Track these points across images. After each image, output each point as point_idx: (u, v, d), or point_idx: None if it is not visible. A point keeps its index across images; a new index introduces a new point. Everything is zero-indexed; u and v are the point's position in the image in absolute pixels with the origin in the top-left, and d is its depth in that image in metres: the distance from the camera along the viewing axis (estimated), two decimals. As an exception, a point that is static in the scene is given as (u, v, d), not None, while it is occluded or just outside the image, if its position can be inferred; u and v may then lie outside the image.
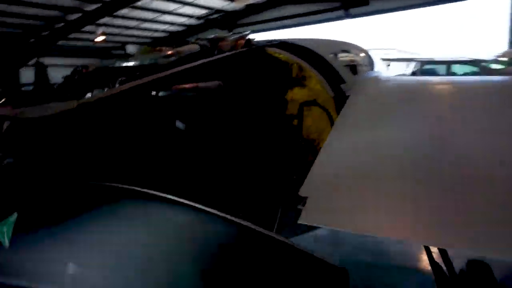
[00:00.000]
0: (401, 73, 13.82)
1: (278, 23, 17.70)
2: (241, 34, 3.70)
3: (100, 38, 17.39)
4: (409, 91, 3.58)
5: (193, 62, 2.84)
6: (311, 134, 3.34)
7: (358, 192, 1.88)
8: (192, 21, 18.70)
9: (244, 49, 3.42)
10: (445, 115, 2.75)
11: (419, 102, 3.07)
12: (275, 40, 3.96)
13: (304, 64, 3.47)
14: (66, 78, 2.74)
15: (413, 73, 13.69)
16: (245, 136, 2.94)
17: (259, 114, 3.14)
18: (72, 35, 16.73)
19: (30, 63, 17.03)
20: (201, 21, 18.74)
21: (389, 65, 14.76)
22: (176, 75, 2.47)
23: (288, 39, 4.16)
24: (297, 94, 3.45)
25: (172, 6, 16.25)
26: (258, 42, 3.93)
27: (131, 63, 2.81)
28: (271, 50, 3.52)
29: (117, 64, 2.82)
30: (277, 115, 3.29)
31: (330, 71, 3.64)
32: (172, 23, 18.41)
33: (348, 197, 1.85)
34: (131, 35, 18.84)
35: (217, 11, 18.03)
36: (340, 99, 3.41)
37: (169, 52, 2.94)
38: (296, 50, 3.69)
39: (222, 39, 3.42)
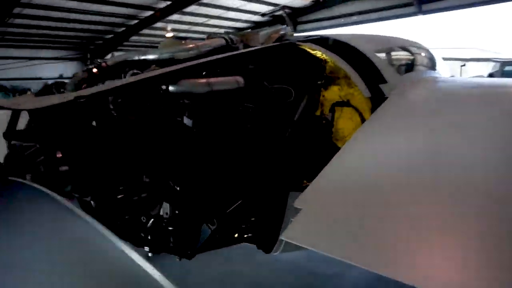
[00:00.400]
0: (479, 74, 12.46)
1: (346, 19, 17.03)
2: (275, 28, 3.51)
3: (169, 34, 18.19)
4: (463, 95, 3.10)
5: (214, 56, 2.73)
6: (341, 137, 3.07)
7: (360, 213, 1.60)
8: (258, 18, 18.74)
9: (274, 43, 3.22)
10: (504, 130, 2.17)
11: (471, 110, 2.58)
12: (314, 36, 3.70)
13: (340, 62, 3.18)
14: (85, 71, 2.78)
15: (491, 75, 12.24)
16: (261, 136, 2.76)
17: (283, 113, 2.94)
18: (144, 31, 17.72)
19: (106, 57, 18.46)
20: (266, 17, 18.70)
21: (463, 65, 13.43)
22: (186, 69, 2.37)
23: (331, 34, 3.87)
24: (329, 94, 3.19)
25: (238, 3, 16.41)
26: (295, 37, 3.71)
27: (150, 56, 2.78)
28: (304, 45, 3.28)
29: (136, 57, 2.80)
30: (305, 114, 3.06)
31: (370, 70, 3.30)
32: (237, 20, 18.61)
33: (347, 218, 1.58)
34: (199, 32, 19.42)
35: (283, 7, 17.86)
36: (378, 100, 3.07)
37: (190, 46, 2.85)
38: (334, 47, 3.40)
39: (252, 33, 3.26)
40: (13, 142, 2.21)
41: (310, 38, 3.56)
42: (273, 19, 18.80)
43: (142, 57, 2.76)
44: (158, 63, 2.71)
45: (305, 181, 2.66)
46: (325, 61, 3.22)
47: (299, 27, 18.60)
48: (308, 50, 3.25)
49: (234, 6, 16.73)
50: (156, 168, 2.36)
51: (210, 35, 3.28)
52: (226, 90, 2.58)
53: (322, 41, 3.48)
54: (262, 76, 2.88)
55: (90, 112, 2.12)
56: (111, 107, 2.26)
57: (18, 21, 14.99)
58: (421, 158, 1.94)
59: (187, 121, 2.34)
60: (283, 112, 2.94)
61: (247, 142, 2.67)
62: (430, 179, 1.73)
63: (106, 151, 2.20)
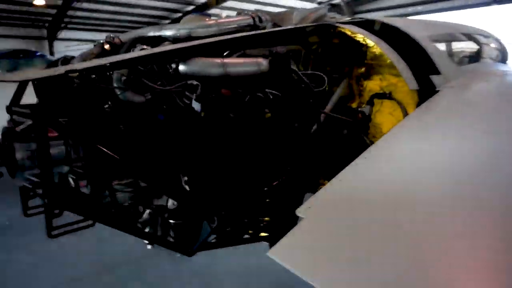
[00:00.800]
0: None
1: (409, 9, 15.84)
2: (314, 8, 3.13)
3: (223, 21, 18.14)
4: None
5: (233, 35, 2.44)
6: (379, 134, 2.66)
7: (373, 240, 1.21)
8: (314, 5, 18.11)
9: (310, 24, 2.85)
10: None
11: None
12: (359, 18, 3.28)
13: (384, 47, 2.74)
14: (96, 45, 2.63)
15: None
16: (281, 128, 2.43)
17: (312, 103, 2.58)
18: (199, 18, 17.82)
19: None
20: (323, 6, 18.01)
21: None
22: (196, 48, 2.11)
23: (380, 18, 3.42)
24: (368, 83, 2.78)
25: (294, -11, 15.94)
26: (336, 19, 3.31)
27: (166, 33, 2.55)
28: (344, 28, 2.88)
29: (151, 33, 2.59)
30: (338, 106, 2.69)
31: (420, 59, 2.82)
32: (293, 8, 18.11)
33: (354, 243, 1.21)
34: (253, 19, 19.16)
35: (341, -5, 17.09)
36: (427, 94, 2.61)
37: (209, 22, 2.58)
38: (381, 31, 2.96)
39: (285, 13, 2.92)
40: (14, 116, 2.11)
41: (353, 20, 3.15)
42: (331, 8, 18.06)
43: (157, 33, 2.54)
44: (174, 40, 2.48)
45: (326, 182, 2.31)
46: (366, 47, 2.81)
47: (355, 16, 17.69)
48: (348, 33, 2.84)
49: (291, -7, 16.26)
50: (157, 154, 2.14)
51: (239, 12, 2.97)
52: (245, 74, 2.28)
53: (368, 25, 3.06)
54: (290, 60, 2.54)
55: (88, 89, 1.93)
56: (115, 85, 2.07)
57: (85, 5, 15.76)
58: (470, 173, 1.49)
59: (195, 105, 2.08)
60: (311, 102, 2.59)
61: (263, 134, 2.36)
62: (482, 205, 1.29)
63: (105, 133, 2.01)
